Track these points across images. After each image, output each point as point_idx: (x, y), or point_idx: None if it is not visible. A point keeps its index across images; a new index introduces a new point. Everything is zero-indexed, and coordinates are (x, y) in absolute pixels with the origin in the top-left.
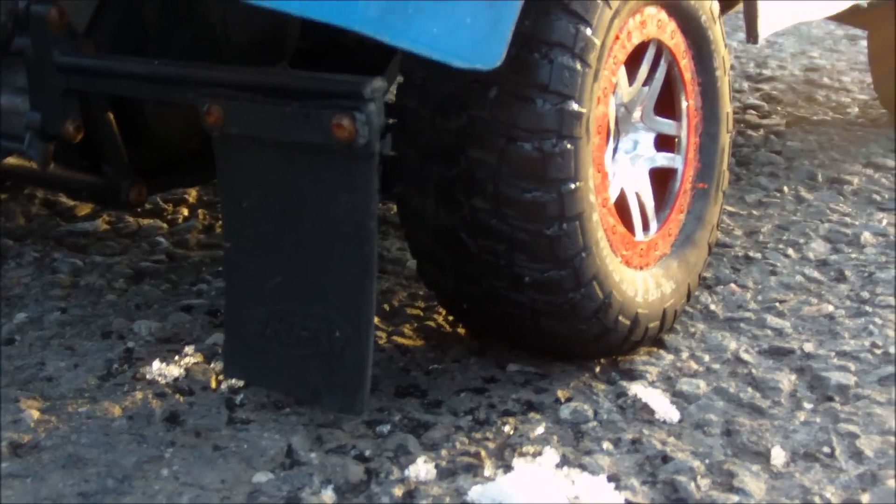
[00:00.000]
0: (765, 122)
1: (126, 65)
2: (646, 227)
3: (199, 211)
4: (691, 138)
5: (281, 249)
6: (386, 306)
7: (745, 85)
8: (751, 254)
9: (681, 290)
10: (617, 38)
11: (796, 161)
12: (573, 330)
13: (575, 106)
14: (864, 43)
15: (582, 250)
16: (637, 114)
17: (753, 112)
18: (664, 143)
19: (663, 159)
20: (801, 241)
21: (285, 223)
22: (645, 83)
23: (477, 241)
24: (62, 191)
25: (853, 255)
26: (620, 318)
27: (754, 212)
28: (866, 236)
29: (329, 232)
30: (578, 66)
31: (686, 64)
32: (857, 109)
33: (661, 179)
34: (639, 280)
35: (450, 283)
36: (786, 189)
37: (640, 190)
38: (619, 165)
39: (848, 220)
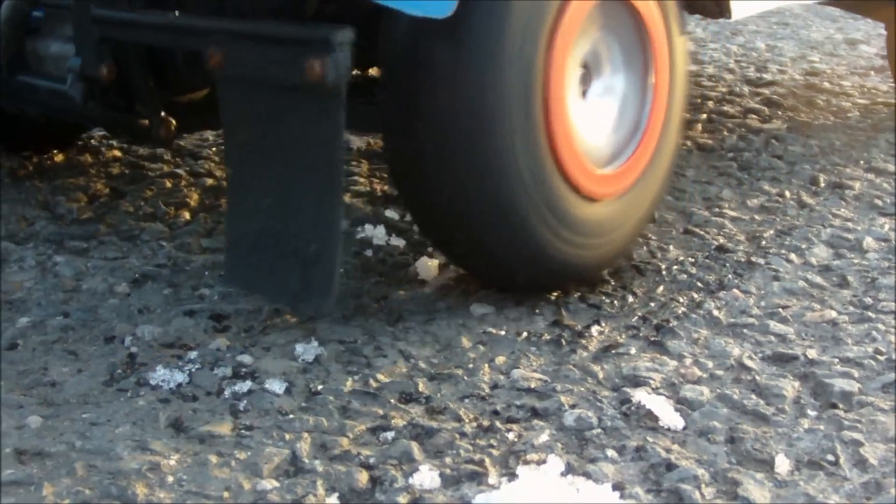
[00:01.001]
0: (766, 126)
1: (147, 17)
2: (611, 161)
3: (201, 215)
4: (660, 86)
5: (270, 176)
6: (389, 312)
7: (746, 89)
8: (753, 259)
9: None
10: None
11: (798, 166)
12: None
13: (524, 49)
14: (864, 48)
15: (531, 177)
16: (607, 60)
17: (754, 116)
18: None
19: (634, 104)
20: (804, 246)
21: (272, 153)
22: (615, 34)
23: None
24: (101, 126)
25: (855, 261)
26: (571, 247)
27: (756, 216)
28: (868, 241)
29: (306, 160)
30: (523, 18)
31: (651, 16)
32: (857, 114)
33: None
34: (598, 210)
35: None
36: (787, 194)
37: (609, 129)
38: (591, 106)
39: (850, 225)
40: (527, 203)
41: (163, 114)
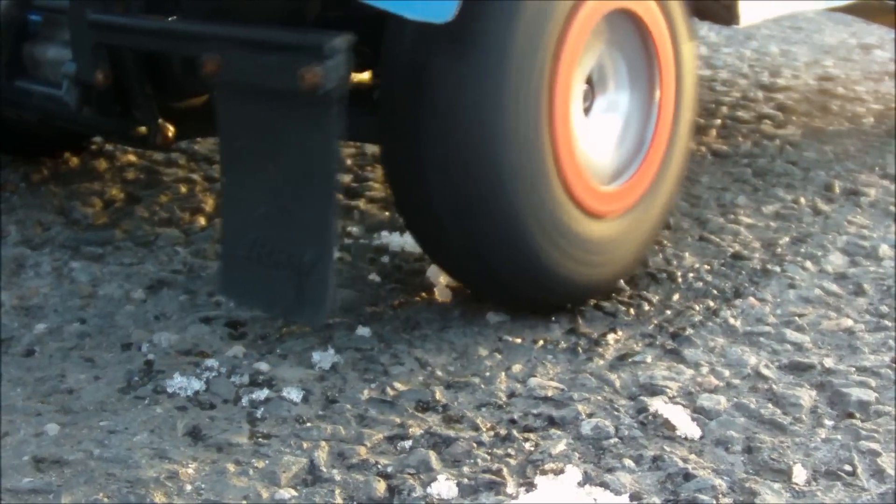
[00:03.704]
0: (780, 132)
1: (143, 22)
2: (615, 178)
3: (217, 220)
4: (666, 101)
5: (265, 184)
6: (405, 319)
7: (760, 94)
8: (769, 266)
9: (645, 239)
10: (578, 9)
11: (812, 172)
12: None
13: (530, 61)
14: (878, 52)
15: (535, 195)
16: (612, 77)
17: (768, 122)
18: (641, 104)
19: (639, 120)
20: (819, 253)
21: (268, 160)
22: (620, 49)
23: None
24: (97, 132)
25: (871, 269)
26: (578, 265)
27: (771, 223)
28: (884, 249)
29: (301, 168)
30: (529, 30)
31: (659, 32)
32: (871, 119)
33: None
34: (603, 228)
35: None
36: (802, 200)
37: (613, 146)
38: (594, 123)
39: (865, 232)
40: (531, 220)
41: (160, 120)
